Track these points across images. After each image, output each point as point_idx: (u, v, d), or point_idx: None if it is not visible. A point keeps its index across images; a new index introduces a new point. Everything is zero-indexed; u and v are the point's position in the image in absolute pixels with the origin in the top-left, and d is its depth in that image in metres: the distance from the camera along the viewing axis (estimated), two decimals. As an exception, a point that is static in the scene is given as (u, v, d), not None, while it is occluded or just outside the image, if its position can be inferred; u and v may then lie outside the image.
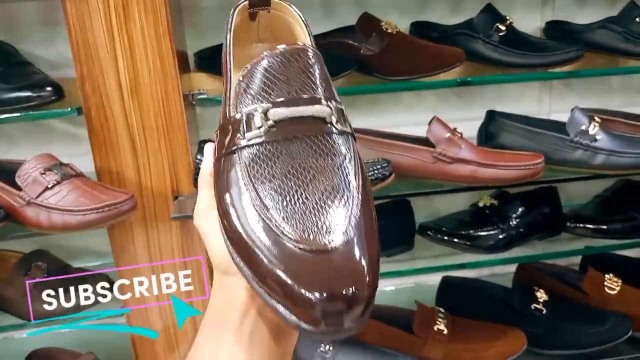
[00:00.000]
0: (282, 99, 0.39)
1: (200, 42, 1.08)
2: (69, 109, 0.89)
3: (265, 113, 0.38)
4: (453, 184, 0.96)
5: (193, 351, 0.40)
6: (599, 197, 1.26)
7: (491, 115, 1.11)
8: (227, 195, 0.37)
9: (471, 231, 1.12)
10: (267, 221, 0.34)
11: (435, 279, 1.28)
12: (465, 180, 0.94)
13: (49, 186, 0.82)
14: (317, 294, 0.31)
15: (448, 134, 0.95)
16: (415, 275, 1.16)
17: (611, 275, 1.22)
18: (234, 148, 0.38)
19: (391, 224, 1.07)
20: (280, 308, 0.33)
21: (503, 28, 1.07)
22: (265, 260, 0.33)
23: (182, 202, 0.94)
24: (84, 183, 0.84)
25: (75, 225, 0.79)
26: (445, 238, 1.11)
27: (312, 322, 0.31)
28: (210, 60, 1.06)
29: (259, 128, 0.38)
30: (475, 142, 1.12)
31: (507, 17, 1.09)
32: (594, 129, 1.01)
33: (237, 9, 0.50)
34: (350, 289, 0.31)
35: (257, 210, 0.35)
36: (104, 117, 0.89)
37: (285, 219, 0.34)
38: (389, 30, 1.04)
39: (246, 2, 0.50)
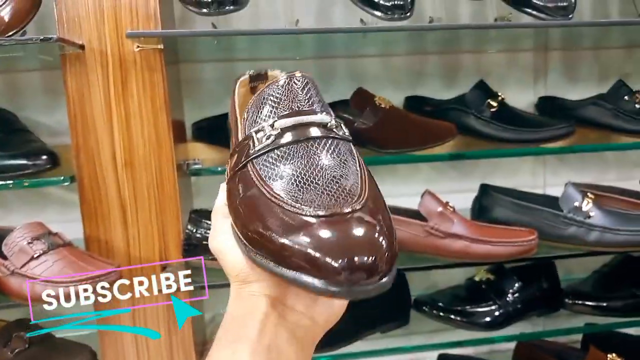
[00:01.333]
0: (286, 112, 0.42)
1: (198, 113, 1.10)
2: (62, 178, 0.90)
3: (272, 125, 0.42)
4: (446, 259, 0.94)
5: None
6: (598, 273, 1.24)
7: (485, 189, 1.11)
8: (241, 198, 0.40)
9: (467, 307, 1.10)
10: (284, 206, 0.36)
11: (432, 355, 1.23)
12: (457, 256, 0.93)
13: (35, 256, 0.81)
14: (340, 259, 0.33)
15: (440, 208, 0.95)
16: (412, 352, 1.12)
17: (614, 355, 1.17)
18: (245, 161, 0.41)
19: (386, 298, 1.04)
20: (305, 278, 0.34)
21: (494, 104, 1.09)
22: (288, 241, 0.35)
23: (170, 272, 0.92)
24: (71, 253, 0.83)
25: (57, 297, 0.77)
26: (441, 314, 1.09)
27: (338, 284, 0.33)
28: (207, 131, 1.08)
29: (267, 138, 0.41)
30: (468, 215, 1.12)
31: (499, 93, 1.11)
32: (587, 205, 1.01)
33: (239, 81, 0.54)
34: (371, 251, 0.34)
35: (272, 201, 0.37)
36: (97, 187, 0.90)
37: (301, 200, 0.36)
38: (382, 105, 1.06)
39: (247, 77, 0.54)
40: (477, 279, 1.15)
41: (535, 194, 1.11)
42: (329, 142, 0.41)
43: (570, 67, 1.30)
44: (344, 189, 0.38)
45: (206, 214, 0.95)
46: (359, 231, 0.34)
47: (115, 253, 0.92)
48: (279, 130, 0.41)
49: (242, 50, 1.14)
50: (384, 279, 0.34)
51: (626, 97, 1.12)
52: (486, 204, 1.09)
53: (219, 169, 0.99)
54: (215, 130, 1.07)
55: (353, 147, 0.43)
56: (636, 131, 1.11)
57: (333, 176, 0.38)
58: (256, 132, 0.42)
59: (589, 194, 1.03)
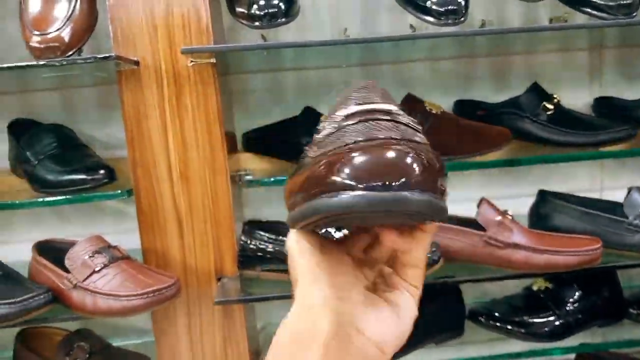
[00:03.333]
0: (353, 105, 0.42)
1: (248, 123, 1.11)
2: (119, 192, 0.91)
3: (339, 114, 0.41)
4: (505, 270, 0.92)
5: None
6: (664, 281, 1.18)
7: (543, 195, 1.07)
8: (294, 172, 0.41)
9: (525, 317, 1.06)
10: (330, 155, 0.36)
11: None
12: (518, 266, 0.90)
13: (96, 269, 0.83)
14: (370, 167, 0.33)
15: (499, 217, 0.92)
16: (466, 363, 1.10)
17: (683, 367, 1.12)
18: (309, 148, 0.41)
19: (440, 309, 1.02)
20: (335, 196, 0.33)
21: (550, 107, 1.05)
22: (321, 171, 0.35)
23: (225, 284, 0.93)
24: (130, 266, 0.85)
25: (119, 311, 0.79)
26: (498, 324, 1.05)
27: (367, 189, 0.32)
28: (257, 141, 1.08)
29: (330, 124, 0.40)
30: (524, 221, 1.08)
31: (554, 95, 1.07)
32: (654, 212, 0.96)
33: None
34: (405, 161, 0.33)
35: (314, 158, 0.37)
36: (153, 200, 0.91)
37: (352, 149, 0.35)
38: (433, 111, 1.04)
39: None
40: (535, 288, 1.11)
41: (596, 200, 1.07)
42: (392, 124, 0.39)
43: (627, 65, 1.25)
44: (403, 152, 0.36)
45: (259, 225, 0.95)
46: (394, 149, 0.34)
47: (172, 264, 0.93)
48: (343, 116, 0.40)
49: (290, 60, 1.14)
50: (425, 195, 0.33)
51: (692, 96, 1.06)
52: (545, 211, 1.05)
53: (271, 179, 0.99)
54: (264, 141, 1.08)
55: (420, 131, 0.41)
56: (703, 131, 1.05)
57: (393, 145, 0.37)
58: (326, 121, 0.42)
59: (655, 199, 0.98)
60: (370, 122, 0.39)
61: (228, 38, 1.08)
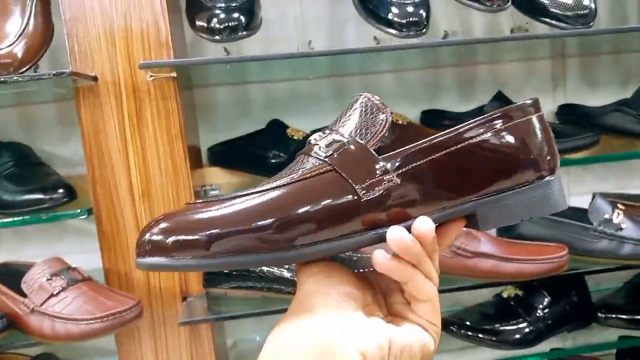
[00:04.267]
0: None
1: (214, 137, 1.09)
2: (79, 211, 0.89)
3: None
4: (474, 280, 0.91)
5: None
6: (630, 284, 1.20)
7: (509, 203, 1.08)
8: None
9: (496, 325, 1.06)
10: None
11: (460, 375, 1.20)
12: (486, 276, 0.90)
13: (55, 293, 0.80)
14: None
15: (465, 227, 0.92)
16: (439, 373, 1.09)
17: (652, 369, 1.13)
18: None
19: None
20: None
21: (515, 115, 1.06)
22: None
23: (190, 303, 0.91)
24: (91, 288, 0.82)
25: (79, 335, 0.76)
26: (470, 333, 1.05)
27: None
28: (223, 155, 1.06)
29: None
30: (492, 230, 1.09)
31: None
32: (618, 217, 0.97)
33: None
34: None
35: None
36: (114, 219, 0.89)
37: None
38: (399, 122, 1.04)
39: None
40: (505, 295, 1.11)
41: (561, 207, 1.08)
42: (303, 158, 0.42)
43: (590, 73, 1.27)
44: None
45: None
46: None
47: (135, 285, 0.90)
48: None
49: (256, 73, 1.13)
50: None
51: (651, 103, 1.09)
52: (511, 219, 1.06)
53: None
54: (230, 154, 1.06)
55: (318, 165, 0.41)
56: (662, 136, 1.08)
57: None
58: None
59: (619, 204, 0.99)
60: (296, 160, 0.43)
61: (190, 52, 1.06)
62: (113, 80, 0.88)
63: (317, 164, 0.41)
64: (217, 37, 0.84)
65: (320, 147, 0.42)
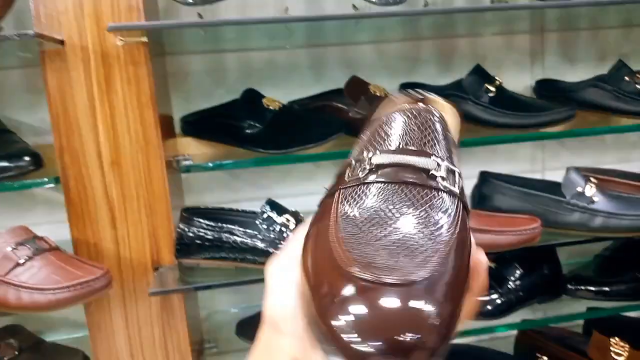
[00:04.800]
0: (390, 148, 0.38)
1: (187, 106, 1.07)
2: (46, 179, 0.86)
3: (370, 158, 0.38)
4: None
5: None
6: (600, 257, 1.22)
7: (484, 176, 1.08)
8: (311, 227, 0.37)
9: (468, 297, 1.08)
10: (334, 252, 0.32)
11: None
12: (459, 247, 0.90)
13: (20, 262, 0.78)
14: (372, 342, 0.27)
15: (440, 199, 0.92)
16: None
17: (617, 339, 1.16)
18: (334, 189, 0.38)
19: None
20: (330, 348, 0.29)
21: (492, 89, 1.06)
22: (325, 291, 0.30)
23: (162, 274, 0.89)
24: (58, 258, 0.80)
25: (45, 305, 0.75)
26: (442, 305, 1.06)
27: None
28: (197, 125, 1.04)
29: (362, 171, 0.37)
30: (469, 202, 1.09)
31: (496, 78, 1.08)
32: (590, 190, 0.98)
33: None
34: (411, 337, 0.27)
35: (331, 241, 0.33)
36: (82, 188, 0.86)
37: (353, 252, 0.32)
38: (378, 94, 1.03)
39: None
40: (478, 268, 1.13)
41: (536, 180, 1.09)
42: (425, 193, 0.35)
43: (568, 48, 1.27)
44: (408, 250, 0.32)
45: (198, 212, 0.92)
46: (398, 316, 0.28)
47: (105, 255, 0.89)
48: (374, 165, 0.37)
49: (231, 41, 1.10)
50: None
51: (627, 78, 1.09)
52: (486, 191, 1.06)
53: (210, 164, 0.96)
54: (204, 124, 1.04)
55: (459, 206, 0.36)
56: (637, 112, 1.09)
57: (401, 238, 0.32)
58: (356, 161, 0.38)
59: (591, 178, 1.00)
60: (399, 191, 0.35)
61: (164, 18, 1.03)
62: (81, 45, 0.84)
63: (454, 201, 0.36)
64: (190, 1, 0.81)
65: (444, 177, 0.37)
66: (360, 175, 0.37)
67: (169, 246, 0.90)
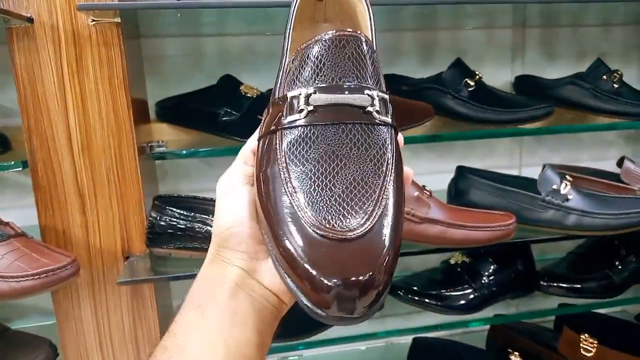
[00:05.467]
0: (325, 84, 0.39)
1: (163, 91, 1.04)
2: (13, 163, 0.83)
3: (307, 97, 0.39)
4: (422, 245, 0.92)
5: (180, 316, 0.40)
6: (572, 254, 1.24)
7: (461, 171, 1.08)
8: (264, 172, 0.39)
9: (443, 290, 1.08)
10: (292, 203, 0.35)
11: (407, 339, 1.22)
12: (434, 241, 0.90)
13: (-17, 248, 0.75)
14: (331, 280, 0.31)
15: (417, 193, 0.91)
16: (386, 337, 1.10)
17: (587, 335, 1.18)
18: (274, 128, 0.40)
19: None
20: (294, 287, 0.33)
21: (472, 83, 1.06)
22: (286, 241, 0.34)
23: (133, 263, 0.87)
24: (24, 244, 0.78)
25: (8, 293, 0.72)
26: (416, 298, 1.07)
27: (324, 306, 0.32)
28: (172, 110, 1.02)
29: (299, 112, 0.39)
30: (446, 196, 1.09)
31: (477, 72, 1.08)
32: (565, 188, 0.99)
33: None
34: (365, 277, 0.32)
35: (285, 191, 0.36)
36: (51, 172, 0.84)
37: (310, 203, 0.35)
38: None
39: None
40: (452, 261, 1.13)
41: (512, 176, 1.09)
42: (363, 130, 0.38)
43: (549, 45, 1.27)
44: (358, 200, 0.35)
45: (170, 200, 0.90)
46: (353, 259, 0.33)
47: (74, 242, 0.86)
48: (313, 107, 0.39)
49: (208, 25, 1.08)
50: (371, 309, 0.33)
51: (604, 77, 1.10)
52: (463, 186, 1.06)
53: (184, 152, 0.93)
54: (180, 110, 1.01)
55: (392, 135, 0.40)
56: (613, 111, 1.10)
57: (353, 179, 0.36)
58: (292, 98, 0.39)
59: (567, 176, 1.01)
60: (340, 132, 0.38)
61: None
62: (51, 23, 0.81)
63: (389, 131, 0.40)
64: (164, -18, 0.79)
65: (378, 110, 0.39)
66: (299, 116, 0.39)
67: (141, 234, 0.88)
